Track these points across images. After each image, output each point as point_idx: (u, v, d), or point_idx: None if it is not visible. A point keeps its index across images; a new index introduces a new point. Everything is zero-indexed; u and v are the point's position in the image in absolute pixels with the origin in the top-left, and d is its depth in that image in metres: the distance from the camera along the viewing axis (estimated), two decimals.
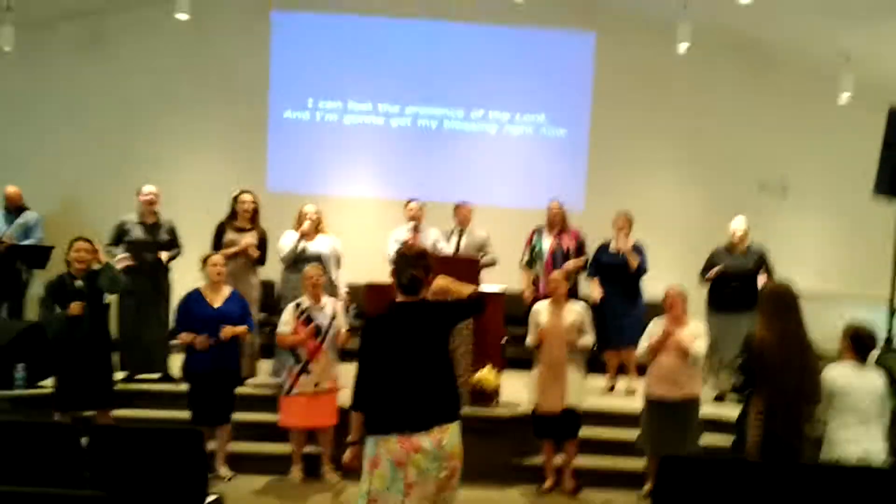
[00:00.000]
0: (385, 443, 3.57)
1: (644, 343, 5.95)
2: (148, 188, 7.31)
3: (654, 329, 5.92)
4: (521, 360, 7.09)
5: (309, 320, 6.00)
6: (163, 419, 6.39)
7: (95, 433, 3.72)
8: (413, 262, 3.76)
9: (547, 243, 7.74)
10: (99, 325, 5.85)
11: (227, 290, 6.09)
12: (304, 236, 7.05)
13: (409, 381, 3.62)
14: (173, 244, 7.30)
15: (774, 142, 9.59)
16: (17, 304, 7.76)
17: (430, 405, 3.62)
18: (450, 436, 3.64)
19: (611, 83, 9.59)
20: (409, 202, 7.86)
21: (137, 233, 7.15)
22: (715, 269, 7.43)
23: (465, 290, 3.83)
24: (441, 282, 3.84)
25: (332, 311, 6.09)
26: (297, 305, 6.08)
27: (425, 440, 3.56)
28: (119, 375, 6.70)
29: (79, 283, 5.80)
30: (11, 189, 7.97)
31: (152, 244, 7.15)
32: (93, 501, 2.76)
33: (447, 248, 7.74)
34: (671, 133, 9.62)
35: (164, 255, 7.17)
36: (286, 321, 6.06)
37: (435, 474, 3.59)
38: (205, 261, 6.12)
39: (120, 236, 7.11)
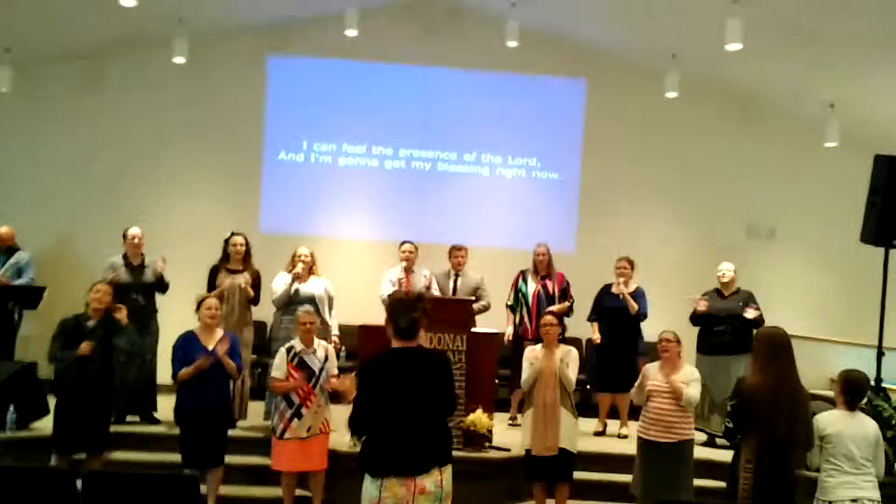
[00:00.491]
0: (389, 486, 3.59)
1: (636, 387, 6.02)
2: (133, 231, 7.39)
3: (648, 373, 6.00)
4: (504, 402, 7.13)
5: (301, 364, 6.00)
6: (153, 462, 6.36)
7: (90, 478, 3.71)
8: (412, 306, 3.78)
9: (532, 287, 7.81)
10: (106, 369, 5.86)
11: (219, 333, 6.11)
12: (297, 278, 7.09)
13: (410, 425, 3.65)
14: (160, 286, 7.34)
15: (762, 186, 9.75)
16: (8, 345, 7.71)
17: (430, 447, 3.67)
18: (447, 476, 3.72)
19: (601, 128, 9.74)
20: (403, 244, 7.92)
21: (124, 275, 7.17)
22: (700, 304, 7.50)
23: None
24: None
25: (325, 354, 6.11)
26: (290, 349, 6.08)
27: (428, 481, 3.61)
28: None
29: (91, 323, 5.84)
30: (3, 229, 7.95)
31: (138, 286, 7.18)
32: None
33: (437, 291, 7.78)
34: (661, 177, 9.75)
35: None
36: (278, 366, 6.04)
37: None
38: (199, 303, 6.14)
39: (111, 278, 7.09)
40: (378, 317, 6.87)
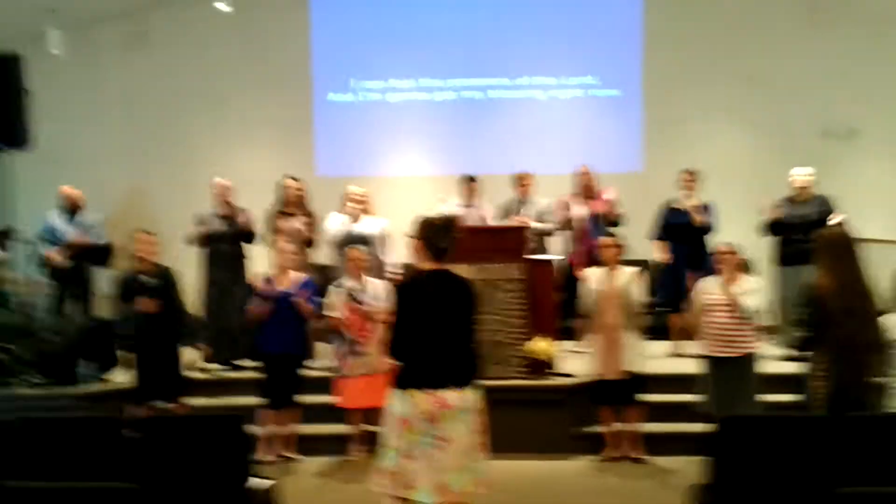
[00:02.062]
0: (415, 399, 3.63)
1: (691, 303, 5.89)
2: (219, 180, 7.43)
3: (704, 287, 5.83)
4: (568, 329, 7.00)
5: (355, 301, 6.00)
6: (234, 406, 6.46)
7: (137, 425, 3.77)
8: (449, 227, 3.81)
9: (582, 210, 7.54)
10: (171, 318, 5.97)
11: (297, 276, 6.15)
12: (350, 219, 7.05)
13: (438, 342, 3.70)
14: (247, 234, 7.39)
15: (840, 84, 9.09)
16: (83, 303, 7.95)
17: (457, 365, 3.71)
18: (473, 393, 3.72)
19: (663, 34, 9.23)
20: (464, 177, 7.77)
21: (215, 224, 7.26)
22: (771, 215, 7.14)
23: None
24: None
25: (382, 292, 6.07)
26: (342, 287, 6.09)
27: (452, 396, 3.64)
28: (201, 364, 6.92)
29: (146, 279, 5.92)
30: (72, 191, 8.09)
31: (228, 235, 7.26)
32: (125, 493, 2.78)
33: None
34: (729, 80, 9.20)
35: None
36: (333, 304, 6.08)
37: (465, 428, 3.65)
38: (274, 248, 6.19)
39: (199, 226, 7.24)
40: None
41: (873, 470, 3.58)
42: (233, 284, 7.16)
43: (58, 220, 7.74)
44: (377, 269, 6.77)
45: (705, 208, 7.41)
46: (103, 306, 8.27)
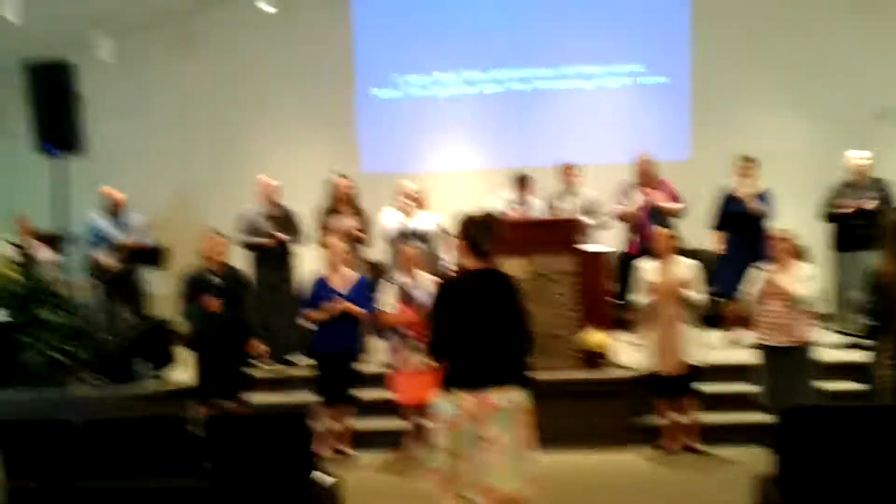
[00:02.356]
0: (461, 400, 3.59)
1: (745, 291, 5.80)
2: (265, 178, 7.47)
3: (756, 275, 5.75)
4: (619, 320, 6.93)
5: (408, 297, 6.00)
6: (291, 402, 6.53)
7: (203, 423, 3.81)
8: (491, 226, 3.75)
9: (640, 200, 7.43)
10: (237, 319, 6.02)
11: (352, 276, 6.18)
12: (405, 216, 7.06)
13: (482, 343, 3.64)
14: (294, 231, 7.42)
15: (890, 65, 8.83)
16: (136, 303, 8.06)
17: (502, 366, 3.65)
18: (519, 393, 3.65)
19: (710, 18, 9.06)
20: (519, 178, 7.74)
21: (261, 224, 7.31)
22: (844, 209, 7.01)
23: None
24: None
25: (429, 287, 6.06)
26: (395, 283, 6.11)
27: (497, 397, 3.58)
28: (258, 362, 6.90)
29: (213, 278, 5.99)
30: (113, 191, 8.15)
31: (271, 233, 7.29)
32: (194, 491, 2.80)
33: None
34: (778, 66, 8.98)
35: (281, 236, 7.30)
36: (387, 301, 6.10)
37: (511, 429, 3.60)
38: (326, 247, 6.25)
39: (246, 227, 7.29)
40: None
41: None
42: (280, 283, 7.20)
43: (101, 222, 7.81)
44: (433, 265, 6.76)
45: (762, 196, 7.26)
46: (157, 306, 8.42)
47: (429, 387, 5.85)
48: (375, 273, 8.13)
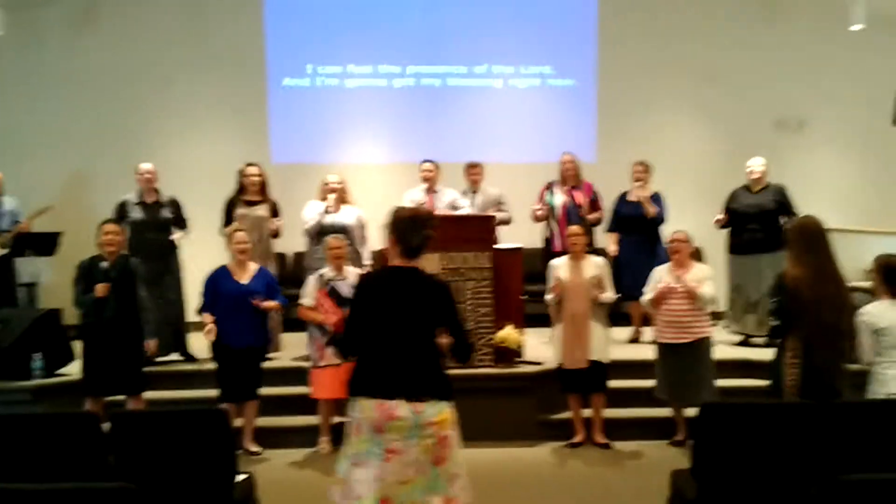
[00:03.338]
0: (363, 407, 3.40)
1: (648, 292, 5.98)
2: (144, 166, 7.12)
3: (658, 276, 5.97)
4: (539, 317, 7.04)
5: (333, 291, 5.91)
6: (190, 399, 6.33)
7: (117, 419, 3.63)
8: (425, 224, 3.53)
9: (560, 198, 7.59)
10: (128, 310, 5.75)
11: (253, 267, 6.04)
12: (328, 209, 6.95)
13: (392, 347, 3.43)
14: (178, 222, 7.15)
15: (789, 79, 9.28)
16: (10, 294, 7.60)
17: (412, 375, 3.41)
18: (431, 406, 3.40)
19: (617, 25, 9.29)
20: (423, 163, 7.72)
21: (137, 213, 7.00)
22: (719, 217, 7.38)
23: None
24: None
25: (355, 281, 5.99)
26: (321, 276, 6.01)
27: (403, 408, 3.36)
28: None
29: (105, 264, 5.73)
30: None
31: (153, 223, 7.01)
32: (120, 493, 2.67)
33: (465, 208, 7.60)
34: (682, 73, 9.31)
35: (176, 236, 7.05)
36: (308, 293, 6.01)
37: (417, 441, 3.37)
38: (229, 237, 6.04)
39: (121, 216, 6.92)
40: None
41: (851, 456, 3.69)
42: (161, 277, 6.93)
43: None
44: (354, 260, 6.69)
45: (655, 199, 7.51)
46: (45, 296, 8.00)
47: (344, 383, 5.84)
48: (284, 266, 8.00)
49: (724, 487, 3.74)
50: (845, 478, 2.72)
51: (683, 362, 5.80)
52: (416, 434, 3.36)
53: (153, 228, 7.00)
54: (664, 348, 5.92)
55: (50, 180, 8.75)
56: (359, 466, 3.39)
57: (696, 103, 9.39)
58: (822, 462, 3.61)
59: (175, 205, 7.17)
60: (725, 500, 3.74)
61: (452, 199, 7.59)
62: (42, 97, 9.01)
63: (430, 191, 7.63)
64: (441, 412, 3.41)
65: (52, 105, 9.00)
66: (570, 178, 7.63)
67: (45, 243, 7.82)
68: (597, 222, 7.58)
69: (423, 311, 3.46)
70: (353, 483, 3.40)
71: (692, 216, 8.01)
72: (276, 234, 7.19)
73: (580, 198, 7.57)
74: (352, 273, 6.03)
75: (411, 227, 3.50)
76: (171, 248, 7.09)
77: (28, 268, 7.88)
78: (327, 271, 6.04)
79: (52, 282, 8.21)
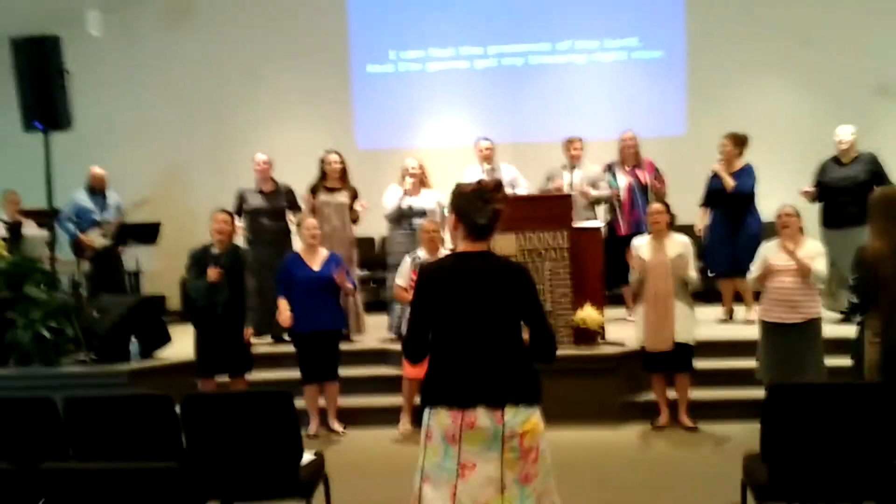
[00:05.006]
0: (437, 414, 2.98)
1: (755, 268, 5.65)
2: (260, 156, 7.45)
3: (766, 253, 5.61)
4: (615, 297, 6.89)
5: None
6: (279, 380, 6.46)
7: (187, 402, 3.77)
8: (491, 198, 3.01)
9: (623, 179, 7.38)
10: (236, 296, 5.96)
11: (324, 253, 6.15)
12: (406, 193, 7.00)
13: (466, 347, 2.98)
14: (293, 207, 7.42)
15: (890, 38, 8.72)
16: (120, 281, 8.03)
17: (491, 377, 2.96)
18: (516, 414, 2.95)
19: None
20: (481, 141, 7.57)
21: (257, 201, 7.29)
22: (808, 190, 7.05)
23: None
24: None
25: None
26: (415, 259, 6.10)
27: (483, 416, 2.92)
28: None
29: (216, 250, 5.98)
30: (99, 170, 8.10)
31: (271, 211, 7.30)
32: (174, 472, 2.77)
33: (524, 189, 7.47)
34: (775, 42, 8.89)
35: (294, 219, 7.33)
36: (403, 274, 6.12)
37: (497, 455, 2.92)
38: (299, 225, 6.20)
39: (240, 205, 7.29)
40: None
41: None
42: (277, 260, 7.14)
43: (86, 200, 7.83)
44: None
45: (746, 171, 7.20)
46: (147, 283, 8.40)
47: None
48: (368, 249, 8.11)
49: (795, 471, 3.57)
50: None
51: (791, 343, 5.43)
52: (497, 446, 2.92)
53: (270, 216, 7.31)
54: (770, 328, 5.55)
55: (146, 174, 9.15)
56: (429, 483, 2.98)
57: (791, 69, 8.95)
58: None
59: (290, 193, 7.46)
60: (796, 484, 3.57)
61: (512, 178, 7.45)
62: (136, 93, 9.43)
63: (490, 169, 7.50)
64: (528, 420, 2.96)
65: (147, 102, 9.42)
66: (631, 156, 7.42)
67: (147, 233, 8.21)
68: (664, 195, 7.32)
69: (499, 301, 2.98)
70: (423, 501, 2.99)
71: (789, 187, 7.63)
72: (355, 220, 7.29)
73: (644, 177, 7.34)
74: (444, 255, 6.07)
75: (475, 202, 3.00)
76: (287, 233, 7.41)
77: (132, 257, 8.33)
78: (421, 253, 6.12)
79: (154, 270, 8.63)
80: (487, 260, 3.04)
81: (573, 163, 7.58)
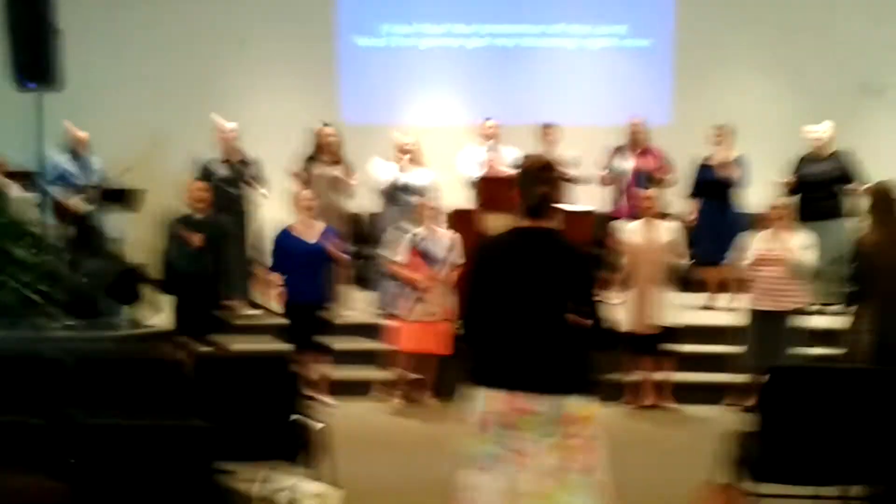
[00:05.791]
0: (488, 398, 2.88)
1: (746, 257, 5.82)
2: (229, 125, 7.34)
3: (756, 243, 5.78)
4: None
5: (424, 251, 6.01)
6: (263, 349, 6.49)
7: (199, 362, 3.81)
8: (541, 177, 2.96)
9: (630, 163, 7.48)
10: (216, 261, 6.01)
11: (319, 226, 6.14)
12: (402, 169, 7.00)
13: (526, 328, 2.88)
14: (260, 179, 7.36)
15: (878, 37, 8.88)
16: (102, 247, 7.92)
17: (548, 363, 2.85)
18: (575, 402, 2.87)
19: None
20: (487, 120, 7.65)
21: (223, 171, 7.20)
22: (783, 181, 7.17)
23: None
24: None
25: (450, 242, 6.07)
26: (414, 235, 6.12)
27: (540, 401, 2.82)
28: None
29: (199, 217, 5.99)
30: (77, 131, 7.95)
31: (238, 181, 7.23)
32: (192, 430, 2.81)
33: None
34: (764, 35, 8.99)
35: (262, 191, 7.32)
36: (401, 251, 6.11)
37: (555, 441, 2.83)
38: (295, 197, 6.18)
39: (207, 176, 7.14)
40: (464, 202, 6.81)
41: None
42: (238, 228, 7.12)
43: (69, 164, 7.62)
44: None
45: (738, 162, 7.34)
46: (126, 249, 8.29)
47: (429, 338, 5.92)
48: (358, 225, 8.10)
49: (789, 451, 3.70)
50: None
51: (778, 330, 5.66)
52: (554, 432, 2.82)
53: (237, 185, 7.23)
54: (759, 315, 5.76)
55: (128, 140, 8.99)
56: (481, 470, 2.86)
57: (778, 63, 9.03)
58: (884, 429, 3.54)
59: (256, 163, 7.39)
60: (789, 463, 3.70)
61: (516, 158, 7.52)
62: (124, 54, 9.19)
63: (493, 149, 7.55)
64: (586, 406, 2.89)
65: (133, 61, 9.17)
66: (639, 141, 7.51)
67: (130, 200, 8.10)
68: (671, 184, 7.44)
69: (560, 283, 2.88)
70: (473, 494, 2.88)
71: (770, 182, 7.79)
72: (346, 192, 7.28)
73: (650, 162, 7.45)
74: (441, 233, 6.10)
75: (528, 181, 2.96)
76: (245, 204, 7.33)
77: (114, 223, 8.20)
78: (420, 230, 6.12)
79: (134, 237, 8.52)
80: (549, 239, 2.95)
81: (548, 148, 7.64)
